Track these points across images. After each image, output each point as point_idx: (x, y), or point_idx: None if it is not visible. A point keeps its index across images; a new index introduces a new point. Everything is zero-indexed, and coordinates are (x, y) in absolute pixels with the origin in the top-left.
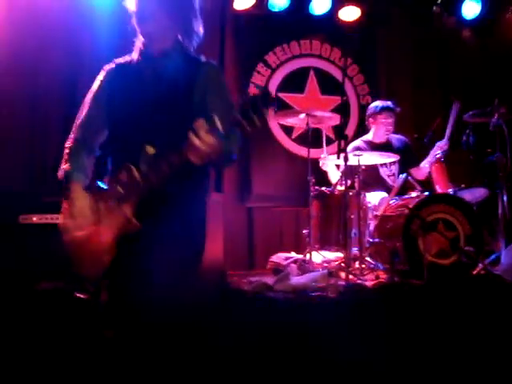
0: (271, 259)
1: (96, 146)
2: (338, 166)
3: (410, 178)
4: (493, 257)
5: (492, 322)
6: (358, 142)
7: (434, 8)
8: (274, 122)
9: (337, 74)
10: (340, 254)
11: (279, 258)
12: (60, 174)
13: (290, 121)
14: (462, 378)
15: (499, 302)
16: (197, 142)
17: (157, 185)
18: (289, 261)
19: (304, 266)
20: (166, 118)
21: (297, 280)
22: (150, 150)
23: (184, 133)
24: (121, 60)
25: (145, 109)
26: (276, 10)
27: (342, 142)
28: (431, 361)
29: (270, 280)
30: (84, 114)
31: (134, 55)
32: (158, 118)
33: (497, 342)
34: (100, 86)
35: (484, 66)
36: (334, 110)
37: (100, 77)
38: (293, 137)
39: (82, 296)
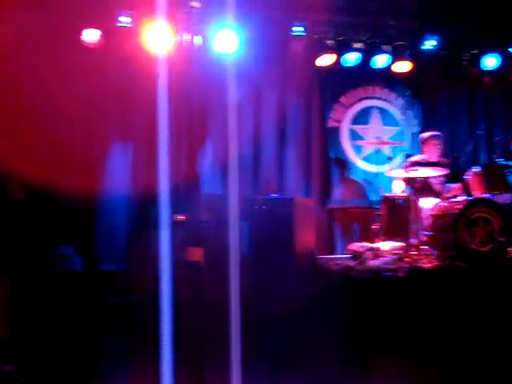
0: (349, 247)
1: None
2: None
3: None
4: None
5: None
6: (416, 158)
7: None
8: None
9: (393, 111)
10: (402, 244)
11: (356, 246)
12: None
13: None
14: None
15: None
16: None
17: None
18: (364, 248)
19: (377, 253)
20: None
21: (373, 263)
22: None
23: None
24: None
25: None
26: (348, 65)
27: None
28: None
29: (351, 263)
30: None
31: None
32: None
33: None
34: None
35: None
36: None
37: None
38: (362, 157)
39: None
